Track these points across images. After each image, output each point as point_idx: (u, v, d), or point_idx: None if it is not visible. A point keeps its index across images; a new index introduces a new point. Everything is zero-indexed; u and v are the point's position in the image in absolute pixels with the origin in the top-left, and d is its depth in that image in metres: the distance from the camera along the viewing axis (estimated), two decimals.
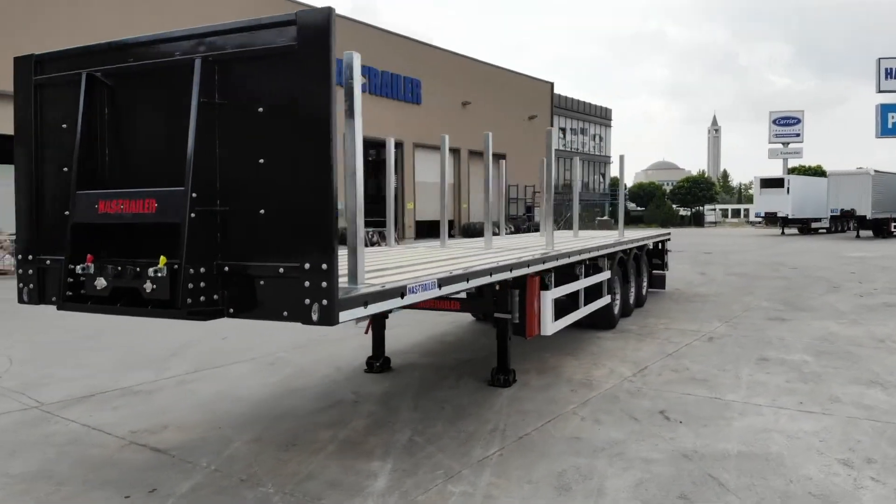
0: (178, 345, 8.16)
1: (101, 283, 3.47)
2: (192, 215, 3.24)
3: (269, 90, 3.24)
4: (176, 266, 3.25)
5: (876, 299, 11.90)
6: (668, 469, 4.25)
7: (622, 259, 9.53)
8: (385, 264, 5.23)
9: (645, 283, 11.51)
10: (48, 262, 3.88)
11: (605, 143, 70.05)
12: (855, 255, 23.19)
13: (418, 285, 3.82)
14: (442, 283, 4.11)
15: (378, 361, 6.83)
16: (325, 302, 3.05)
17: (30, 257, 3.99)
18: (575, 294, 7.62)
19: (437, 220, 37.22)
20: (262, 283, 3.27)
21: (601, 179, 69.92)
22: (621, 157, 11.29)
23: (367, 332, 6.74)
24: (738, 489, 3.93)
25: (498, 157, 43.38)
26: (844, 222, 40.35)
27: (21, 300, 4.15)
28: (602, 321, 8.96)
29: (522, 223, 44.89)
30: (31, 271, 4.00)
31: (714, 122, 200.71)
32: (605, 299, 8.57)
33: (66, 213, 3.68)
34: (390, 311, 3.80)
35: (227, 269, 3.34)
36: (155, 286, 3.29)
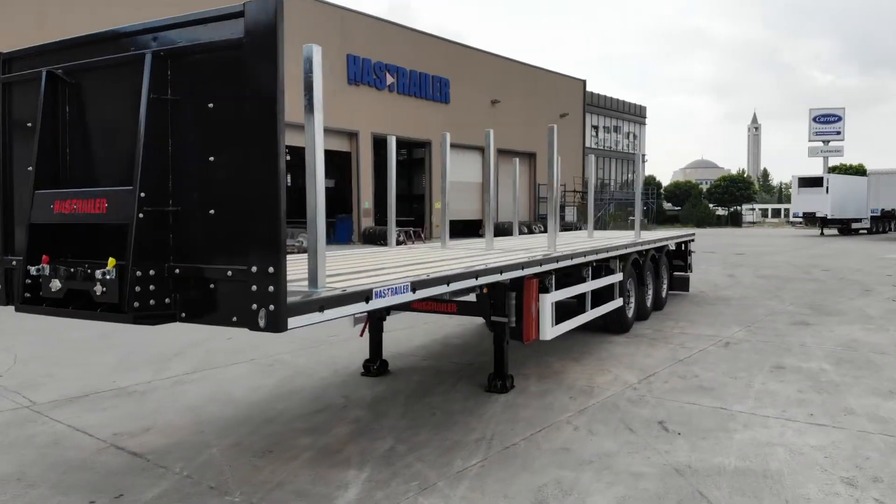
0: (184, 344, 8.12)
1: (55, 284, 3.38)
2: (141, 215, 3.12)
3: (218, 85, 3.11)
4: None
5: None
6: (655, 485, 4.01)
7: (636, 261, 9.23)
8: (368, 266, 5.07)
9: (665, 286, 11.17)
10: (13, 262, 3.81)
11: (640, 141, 68.96)
12: (893, 256, 22.35)
13: (387, 289, 3.65)
14: (416, 286, 3.94)
15: (375, 364, 6.69)
16: (272, 307, 2.90)
17: None
18: (581, 297, 7.37)
19: (467, 220, 37.27)
20: (212, 286, 3.14)
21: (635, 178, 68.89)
22: (641, 156, 10.98)
23: (361, 335, 6.60)
24: None
25: (528, 155, 43.13)
26: (886, 223, 39.03)
27: None
28: (614, 325, 8.69)
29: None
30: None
31: (754, 119, 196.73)
32: (617, 302, 8.29)
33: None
34: (365, 313, 3.63)
35: (178, 271, 3.21)
36: (105, 289, 3.18)
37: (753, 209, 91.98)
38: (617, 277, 8.27)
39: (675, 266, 12.34)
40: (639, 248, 9.17)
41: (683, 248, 12.64)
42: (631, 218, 56.38)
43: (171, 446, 4.78)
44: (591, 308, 7.52)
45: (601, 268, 8.11)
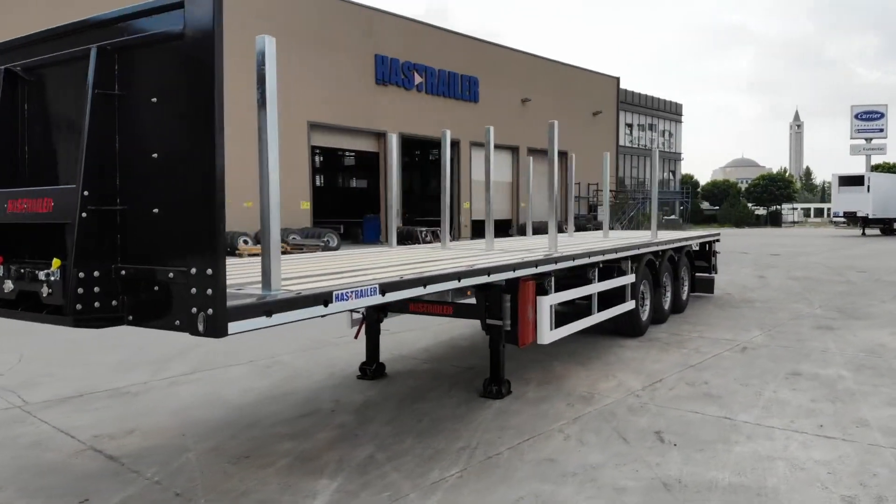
0: (188, 344, 8.06)
1: (8, 285, 3.30)
2: (84, 214, 3.02)
3: (160, 79, 2.99)
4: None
5: None
6: (638, 500, 3.77)
7: (651, 262, 8.92)
8: (351, 267, 4.91)
9: (685, 288, 10.81)
10: None
11: (676, 140, 67.75)
12: None
13: (352, 292, 3.49)
14: (386, 289, 3.76)
15: (371, 367, 6.54)
16: (210, 311, 2.76)
17: None
18: (587, 299, 7.12)
19: (497, 220, 36.89)
20: (156, 288, 3.01)
21: (671, 177, 67.69)
22: (655, 152, 10.64)
23: (356, 338, 6.46)
24: None
25: (560, 154, 42.93)
26: None
27: None
28: (627, 328, 8.41)
29: (588, 222, 43.88)
30: None
31: (796, 117, 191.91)
32: (628, 305, 8.01)
33: None
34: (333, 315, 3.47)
35: (124, 272, 3.10)
36: (50, 290, 3.08)
37: (795, 209, 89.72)
38: (628, 279, 7.99)
39: (698, 267, 11.95)
40: (653, 248, 8.86)
41: (707, 249, 12.24)
42: (665, 217, 55.55)
43: (149, 450, 4.70)
44: (598, 311, 7.26)
45: (612, 269, 7.85)
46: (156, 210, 3.00)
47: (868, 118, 53.11)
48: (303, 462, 4.40)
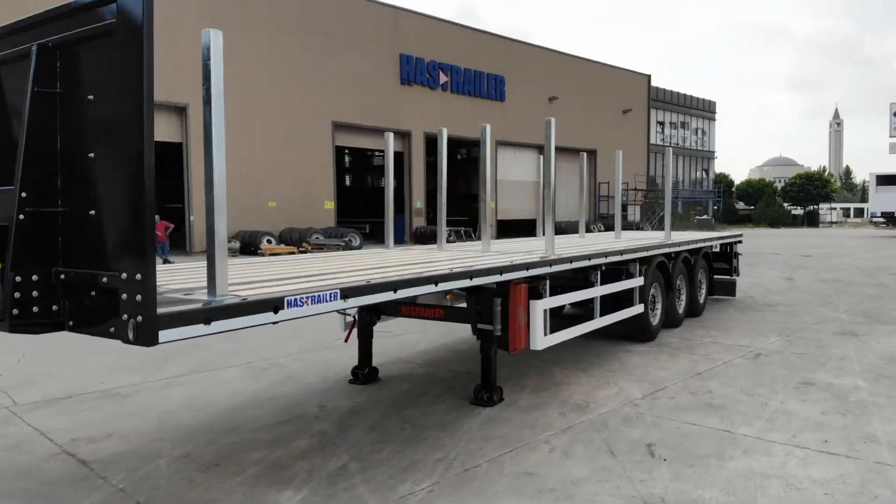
0: (190, 344, 8.01)
1: None
2: (21, 216, 2.91)
3: (96, 76, 2.87)
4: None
5: None
6: None
7: (663, 264, 8.62)
8: (328, 269, 4.76)
9: (703, 291, 10.46)
10: None
11: (709, 138, 66.47)
12: None
13: (308, 297, 3.33)
14: (349, 293, 3.60)
15: (363, 371, 6.39)
16: (139, 318, 2.63)
17: None
18: (588, 303, 6.88)
19: (522, 220, 36.60)
20: (93, 293, 2.89)
21: (704, 176, 66.45)
22: (667, 150, 10.31)
23: (346, 341, 6.32)
24: None
25: (588, 153, 42.51)
26: None
27: None
28: (636, 332, 8.14)
29: None
30: None
31: (836, 115, 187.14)
32: (635, 309, 7.73)
33: None
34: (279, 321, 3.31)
35: (63, 276, 2.99)
36: None
37: (834, 209, 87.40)
38: (636, 282, 7.71)
39: (719, 269, 11.58)
40: (664, 250, 8.55)
41: (728, 251, 11.85)
42: (697, 217, 54.55)
43: (122, 454, 4.61)
44: (601, 315, 7.01)
45: (619, 271, 7.60)
46: (92, 212, 2.88)
47: None
48: (273, 471, 4.26)
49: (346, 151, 46.14)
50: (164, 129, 25.01)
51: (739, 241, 12.17)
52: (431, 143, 32.65)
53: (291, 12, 28.14)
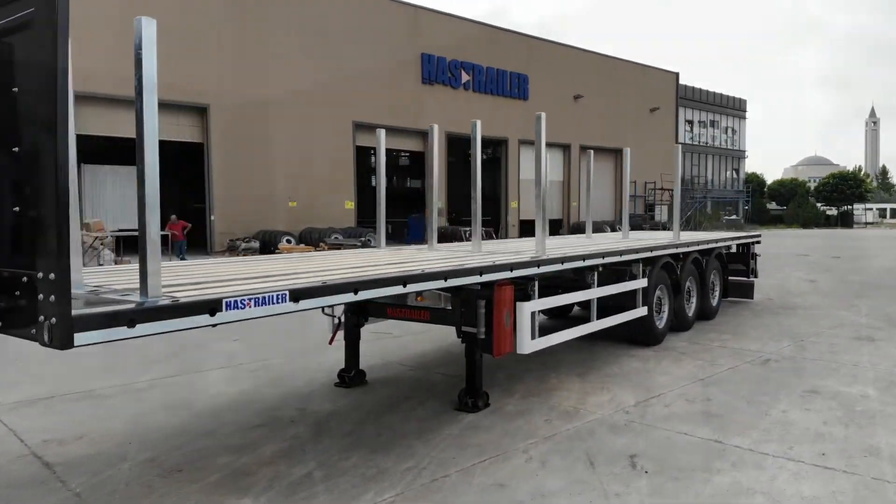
0: (188, 345, 7.93)
1: None
2: None
3: (19, 67, 2.74)
4: None
5: None
6: None
7: (670, 265, 8.32)
8: (292, 270, 4.60)
9: (716, 293, 10.12)
10: None
11: (739, 137, 65.17)
12: None
13: (250, 299, 3.17)
14: (300, 295, 3.43)
15: (350, 374, 6.23)
16: (54, 320, 2.50)
17: None
18: (585, 305, 6.64)
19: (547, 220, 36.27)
20: (17, 293, 2.77)
21: (734, 175, 65.21)
22: (677, 147, 9.99)
23: (331, 343, 6.16)
24: None
25: (614, 152, 41.60)
26: None
27: None
28: (640, 336, 7.87)
29: (645, 222, 42.67)
30: None
31: (872, 113, 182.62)
32: (638, 311, 7.46)
33: None
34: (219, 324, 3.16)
35: None
36: None
37: (870, 209, 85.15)
38: (638, 283, 7.44)
39: (735, 271, 11.21)
40: (670, 251, 8.26)
41: (746, 251, 11.47)
42: (726, 217, 53.54)
43: (88, 457, 4.51)
44: (599, 318, 6.76)
45: (623, 272, 7.34)
46: (16, 209, 2.75)
47: None
48: (235, 478, 4.12)
49: (372, 152, 46.20)
50: (185, 130, 25.22)
51: (757, 242, 11.77)
52: (453, 142, 32.49)
53: (312, 12, 28.18)
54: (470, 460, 4.35)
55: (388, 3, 31.32)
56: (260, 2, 26.90)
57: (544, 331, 6.00)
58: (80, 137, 22.07)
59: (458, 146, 41.33)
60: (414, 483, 4.01)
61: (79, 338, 2.53)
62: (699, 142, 59.98)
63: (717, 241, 10.00)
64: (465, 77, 34.53)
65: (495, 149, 42.04)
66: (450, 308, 5.46)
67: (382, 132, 7.58)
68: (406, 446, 4.62)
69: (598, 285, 6.77)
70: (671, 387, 6.14)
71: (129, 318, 2.70)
